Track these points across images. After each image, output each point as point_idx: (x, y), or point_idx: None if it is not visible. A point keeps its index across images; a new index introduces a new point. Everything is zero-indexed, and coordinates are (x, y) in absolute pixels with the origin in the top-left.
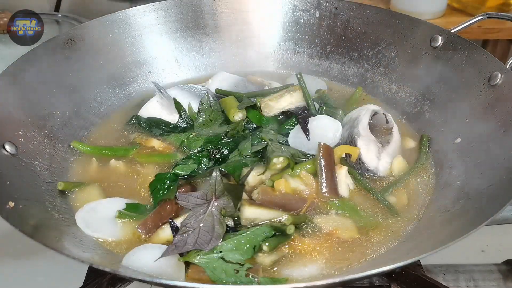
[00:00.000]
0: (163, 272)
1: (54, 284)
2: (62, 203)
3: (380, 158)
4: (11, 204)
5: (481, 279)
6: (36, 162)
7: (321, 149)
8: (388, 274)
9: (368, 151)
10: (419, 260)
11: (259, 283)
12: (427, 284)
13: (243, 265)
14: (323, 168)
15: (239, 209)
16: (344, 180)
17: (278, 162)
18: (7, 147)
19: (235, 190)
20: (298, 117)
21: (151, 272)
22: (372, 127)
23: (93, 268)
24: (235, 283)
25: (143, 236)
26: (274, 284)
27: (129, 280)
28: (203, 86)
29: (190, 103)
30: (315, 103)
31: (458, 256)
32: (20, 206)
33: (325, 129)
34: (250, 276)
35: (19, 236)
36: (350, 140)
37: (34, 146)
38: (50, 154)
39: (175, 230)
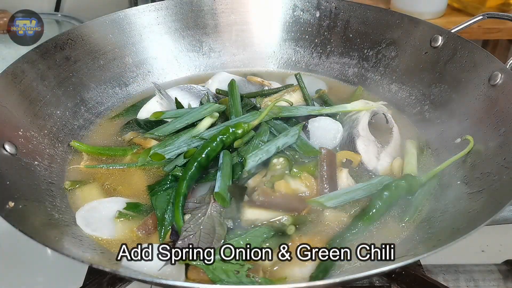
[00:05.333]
0: (163, 272)
1: (54, 284)
2: (62, 203)
3: (379, 159)
4: (11, 204)
5: (481, 279)
6: (36, 162)
7: (323, 155)
8: (388, 274)
9: (367, 151)
10: (419, 260)
11: (259, 283)
12: (427, 284)
13: (243, 265)
14: (324, 175)
15: (239, 211)
16: (346, 182)
17: (278, 163)
18: (7, 147)
19: (238, 192)
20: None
21: (151, 272)
22: (372, 127)
23: (93, 268)
24: (235, 283)
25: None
26: (274, 284)
27: (129, 280)
28: (203, 86)
29: (190, 103)
30: (315, 103)
31: (458, 256)
32: (20, 206)
33: (325, 130)
34: (251, 277)
35: (19, 236)
36: (349, 140)
37: (34, 146)
38: (50, 154)
39: (175, 235)
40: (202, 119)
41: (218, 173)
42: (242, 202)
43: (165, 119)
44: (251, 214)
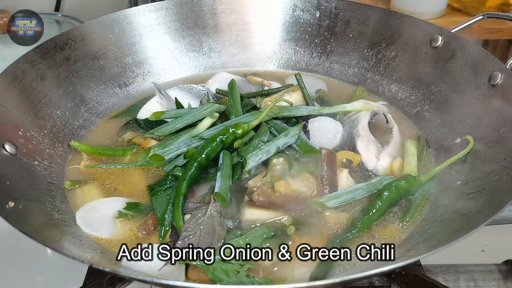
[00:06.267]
0: (163, 272)
1: (54, 284)
2: (62, 203)
3: (379, 159)
4: (11, 204)
5: (481, 279)
6: (36, 162)
7: (323, 155)
8: (388, 274)
9: (367, 151)
10: (419, 260)
11: (259, 283)
12: (427, 284)
13: (243, 265)
14: (324, 175)
15: (239, 211)
16: (346, 182)
17: (278, 163)
18: (7, 147)
19: (238, 192)
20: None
21: (151, 272)
22: (372, 127)
23: (93, 268)
24: (235, 283)
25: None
26: (274, 284)
27: (129, 280)
28: (203, 86)
29: (190, 103)
30: (315, 103)
31: (458, 256)
32: (20, 206)
33: (325, 130)
34: (251, 277)
35: (19, 236)
36: (349, 140)
37: (34, 146)
38: (50, 154)
39: (175, 235)
40: (202, 119)
41: (218, 173)
42: (242, 202)
43: (165, 119)
44: (251, 214)
